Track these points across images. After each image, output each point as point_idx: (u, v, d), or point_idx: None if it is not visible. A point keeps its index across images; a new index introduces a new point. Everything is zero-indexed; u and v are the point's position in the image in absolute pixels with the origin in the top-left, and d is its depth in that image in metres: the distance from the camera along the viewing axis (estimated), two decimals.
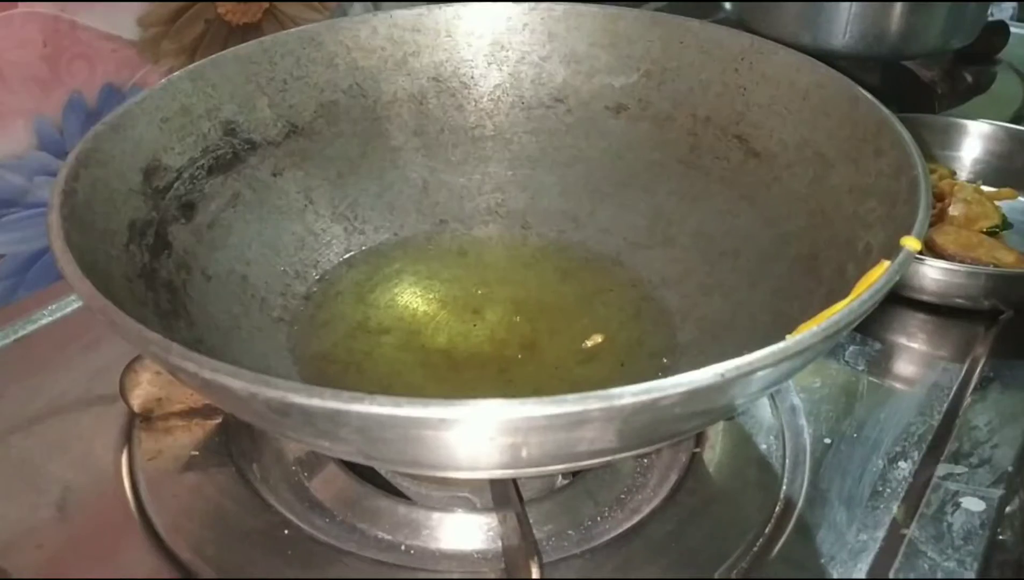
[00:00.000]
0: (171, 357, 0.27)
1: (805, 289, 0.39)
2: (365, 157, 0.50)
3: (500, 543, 0.37)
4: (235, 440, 0.42)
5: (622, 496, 0.39)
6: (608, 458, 0.32)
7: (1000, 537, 0.39)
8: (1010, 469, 0.41)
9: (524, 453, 0.27)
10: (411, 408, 0.24)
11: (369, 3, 0.77)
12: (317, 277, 0.47)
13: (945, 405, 0.45)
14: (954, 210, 0.56)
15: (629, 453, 0.35)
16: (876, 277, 0.30)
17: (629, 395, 0.25)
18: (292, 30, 0.48)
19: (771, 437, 0.43)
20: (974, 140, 0.64)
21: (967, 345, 0.50)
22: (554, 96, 0.51)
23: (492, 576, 0.36)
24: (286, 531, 0.38)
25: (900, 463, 0.42)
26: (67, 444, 0.42)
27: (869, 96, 0.40)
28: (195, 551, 0.37)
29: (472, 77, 0.51)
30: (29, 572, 0.36)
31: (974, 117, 0.65)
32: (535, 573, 0.33)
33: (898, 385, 0.47)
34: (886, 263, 0.31)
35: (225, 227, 0.44)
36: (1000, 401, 0.46)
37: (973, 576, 0.36)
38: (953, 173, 0.62)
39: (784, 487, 0.40)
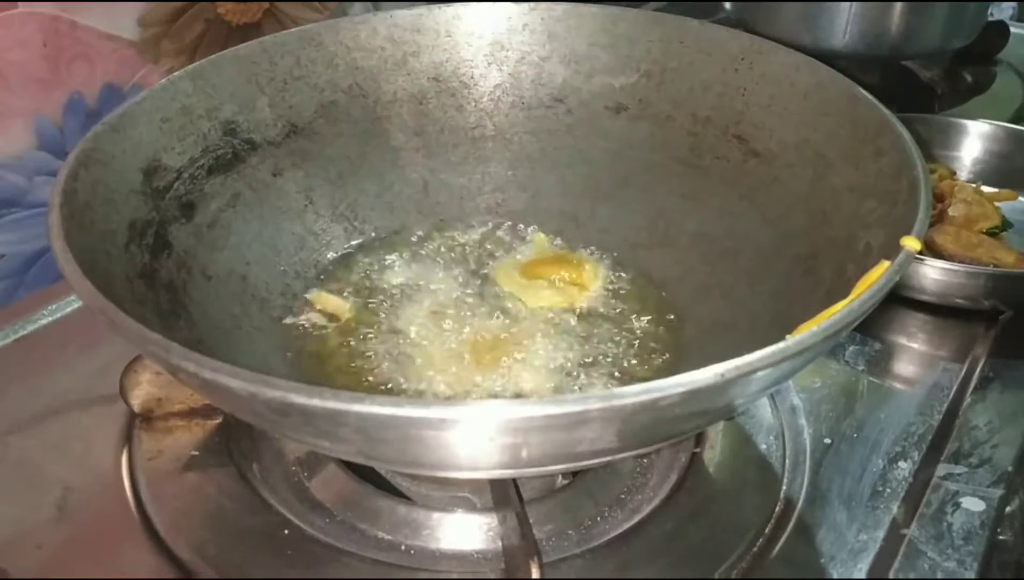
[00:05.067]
0: (171, 357, 0.27)
1: (805, 289, 0.39)
2: (365, 157, 0.50)
3: (500, 543, 0.37)
4: (235, 440, 0.42)
5: (622, 496, 0.39)
6: (608, 458, 0.31)
7: (1000, 537, 0.39)
8: (1010, 469, 0.41)
9: (524, 453, 0.27)
10: (411, 408, 0.24)
11: (369, 3, 0.77)
12: (317, 277, 0.47)
13: (945, 405, 0.45)
14: (954, 210, 0.56)
15: (629, 453, 0.35)
16: (876, 277, 0.30)
17: (629, 395, 0.25)
18: (292, 30, 0.48)
19: (771, 437, 0.43)
20: (974, 140, 0.64)
21: (967, 345, 0.50)
22: (554, 96, 0.51)
23: (492, 576, 0.36)
24: (286, 531, 0.38)
25: (900, 463, 0.42)
26: (67, 444, 0.42)
27: (869, 96, 0.40)
28: (195, 551, 0.37)
29: (472, 77, 0.51)
30: (29, 572, 0.36)
31: (974, 117, 0.65)
32: (535, 573, 0.33)
33: (898, 385, 0.47)
34: (886, 263, 0.31)
35: (225, 227, 0.44)
36: (1000, 401, 0.46)
37: (973, 576, 0.36)
38: (953, 173, 0.62)
39: (784, 487, 0.40)
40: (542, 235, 0.51)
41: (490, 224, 0.52)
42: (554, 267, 0.48)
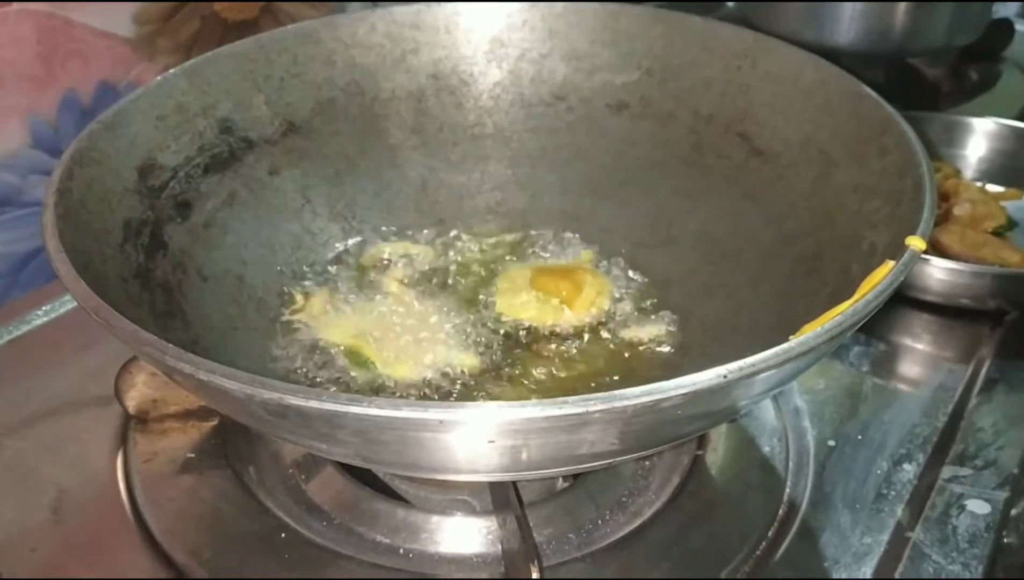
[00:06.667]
0: (167, 358, 0.26)
1: (809, 289, 0.38)
2: (363, 155, 0.50)
3: (500, 546, 0.36)
4: (231, 442, 0.41)
5: (624, 499, 0.39)
6: (609, 461, 0.31)
7: (1005, 540, 0.38)
8: (1015, 471, 0.41)
9: (524, 456, 0.27)
10: (410, 410, 0.24)
11: (368, 0, 0.76)
12: (314, 277, 0.47)
13: (950, 407, 0.45)
14: (959, 210, 0.56)
15: (631, 456, 0.34)
16: (881, 277, 0.30)
17: (631, 397, 0.24)
18: (289, 27, 0.48)
19: (774, 439, 0.42)
20: (979, 138, 0.64)
21: (972, 346, 0.49)
22: (555, 94, 0.51)
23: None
24: (283, 534, 0.37)
25: (905, 465, 0.41)
26: (62, 446, 0.42)
27: (873, 94, 0.40)
28: (191, 554, 0.36)
29: (471, 75, 0.51)
30: (24, 575, 0.36)
31: (979, 115, 0.65)
32: (535, 576, 0.32)
33: (903, 386, 0.47)
34: (891, 263, 0.31)
35: (221, 226, 0.43)
36: (1006, 403, 0.45)
37: (978, 579, 0.36)
38: (958, 172, 0.62)
39: (788, 490, 0.40)
40: (589, 253, 0.49)
41: (490, 224, 0.51)
42: (559, 282, 0.46)
